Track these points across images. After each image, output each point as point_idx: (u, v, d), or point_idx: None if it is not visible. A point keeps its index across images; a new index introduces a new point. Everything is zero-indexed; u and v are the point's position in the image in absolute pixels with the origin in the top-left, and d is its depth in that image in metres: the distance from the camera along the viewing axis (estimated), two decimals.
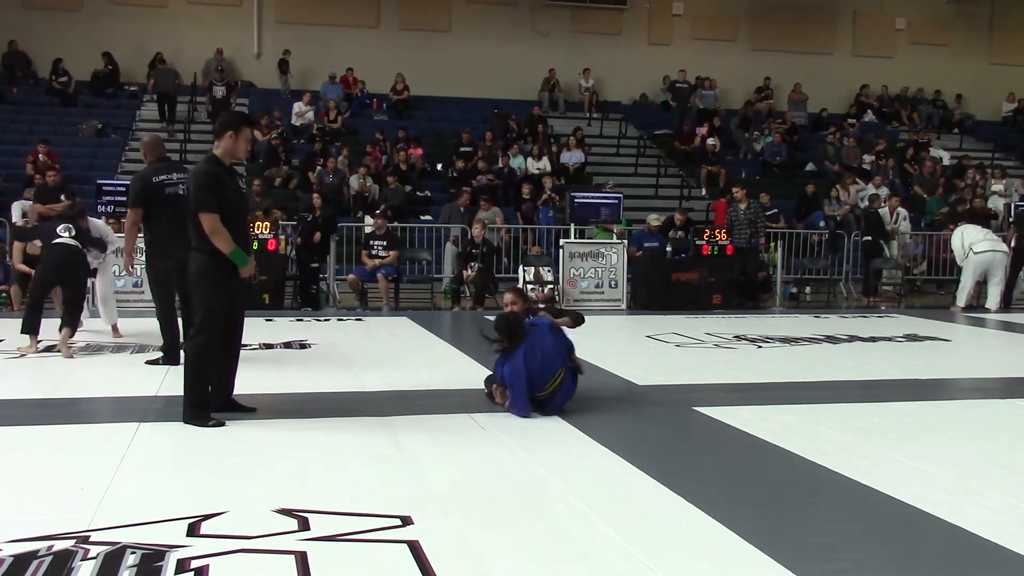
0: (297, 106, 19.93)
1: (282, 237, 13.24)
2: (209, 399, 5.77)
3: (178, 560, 3.41)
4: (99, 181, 13.35)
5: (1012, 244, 14.17)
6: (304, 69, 21.45)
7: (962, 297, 13.75)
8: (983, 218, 17.30)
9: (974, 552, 3.70)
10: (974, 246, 13.62)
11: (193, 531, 3.72)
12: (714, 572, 3.45)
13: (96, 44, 20.58)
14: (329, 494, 4.25)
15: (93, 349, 8.62)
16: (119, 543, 3.55)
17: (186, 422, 5.62)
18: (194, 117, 19.54)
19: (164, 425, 5.65)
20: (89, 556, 3.42)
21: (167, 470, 4.70)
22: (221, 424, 5.63)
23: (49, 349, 8.28)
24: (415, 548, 3.56)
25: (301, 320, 11.36)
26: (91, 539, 3.59)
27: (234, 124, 5.89)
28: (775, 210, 16.94)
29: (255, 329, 10.11)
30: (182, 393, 5.75)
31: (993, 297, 13.75)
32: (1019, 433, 5.88)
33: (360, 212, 16.33)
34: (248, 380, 7.22)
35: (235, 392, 6.12)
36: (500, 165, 18.57)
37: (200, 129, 19.14)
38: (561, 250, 13.49)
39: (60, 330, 8.18)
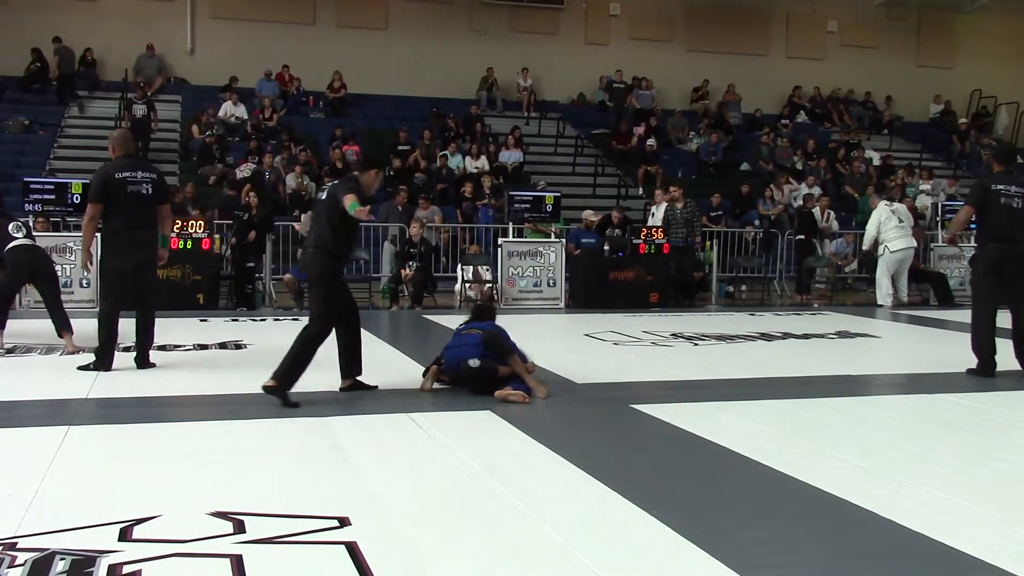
0: (225, 106, 19.61)
1: (216, 236, 13.06)
2: (294, 382, 6.25)
3: (109, 566, 3.34)
4: (26, 179, 13.00)
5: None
6: (238, 66, 21.10)
7: (881, 295, 14.12)
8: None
9: (904, 543, 3.78)
10: (889, 244, 13.96)
11: (125, 536, 3.64)
12: (652, 569, 3.48)
13: (24, 39, 20.05)
14: (265, 496, 4.21)
15: (22, 351, 8.41)
16: (48, 549, 3.46)
17: (268, 392, 6.14)
18: (125, 116, 19.07)
19: (95, 428, 5.55)
20: (16, 563, 3.33)
21: (98, 474, 4.60)
22: (297, 405, 6.07)
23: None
24: (353, 549, 3.54)
25: (236, 320, 11.22)
26: (18, 546, 3.50)
27: (381, 164, 6.86)
28: (720, 212, 17.18)
29: (189, 329, 9.97)
30: (279, 365, 6.24)
31: (903, 291, 14.34)
32: (946, 427, 6.02)
33: (297, 211, 16.17)
34: (183, 381, 7.13)
35: (165, 393, 6.23)
36: (438, 165, 18.52)
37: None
38: (500, 249, 13.50)
39: (61, 335, 8.36)
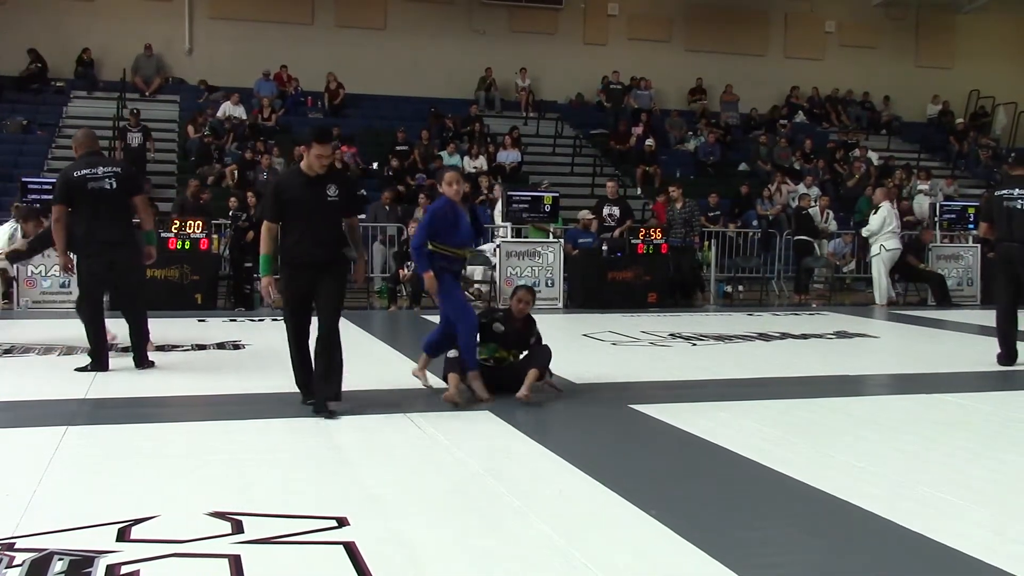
0: (224, 106, 19.57)
1: (215, 236, 13.04)
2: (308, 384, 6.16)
3: (108, 566, 3.33)
4: (24, 179, 12.98)
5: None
6: (237, 66, 21.08)
7: (880, 294, 14.24)
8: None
9: (903, 543, 3.77)
10: (885, 243, 14.13)
11: (123, 536, 3.64)
12: (652, 569, 3.47)
13: (21, 39, 20.02)
14: (264, 496, 4.20)
15: (20, 351, 8.40)
16: (46, 549, 3.45)
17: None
18: (118, 146, 18.72)
19: (93, 428, 5.54)
20: (14, 564, 3.33)
21: (96, 474, 4.59)
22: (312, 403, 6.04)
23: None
24: (351, 549, 3.53)
25: (235, 320, 11.20)
26: (16, 546, 3.49)
27: (307, 139, 6.12)
28: (718, 212, 17.18)
29: (188, 329, 9.96)
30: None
31: (891, 289, 14.66)
32: (943, 427, 6.02)
33: None
34: (181, 381, 7.12)
35: (163, 393, 6.24)
36: (434, 165, 18.49)
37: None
38: (498, 249, 13.48)
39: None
